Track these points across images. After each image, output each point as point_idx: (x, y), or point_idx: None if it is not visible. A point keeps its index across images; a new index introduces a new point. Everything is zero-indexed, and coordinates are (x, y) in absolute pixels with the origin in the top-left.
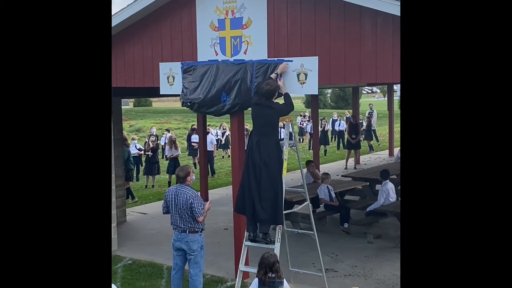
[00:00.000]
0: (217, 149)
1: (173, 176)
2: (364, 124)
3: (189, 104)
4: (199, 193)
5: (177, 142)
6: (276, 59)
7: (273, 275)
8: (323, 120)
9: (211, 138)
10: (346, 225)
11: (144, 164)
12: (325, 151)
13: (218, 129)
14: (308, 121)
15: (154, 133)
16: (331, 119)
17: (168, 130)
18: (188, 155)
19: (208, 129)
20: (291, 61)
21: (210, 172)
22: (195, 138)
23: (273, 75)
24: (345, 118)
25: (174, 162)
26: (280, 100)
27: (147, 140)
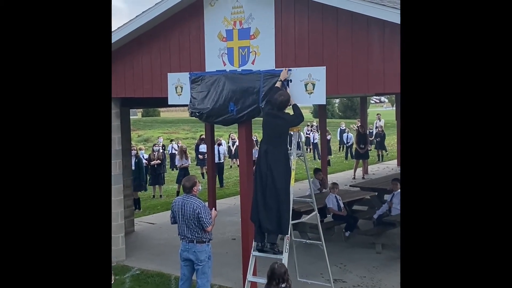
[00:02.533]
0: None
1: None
2: (374, 133)
3: (197, 114)
4: (206, 203)
5: (187, 152)
6: (283, 69)
7: (285, 285)
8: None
9: (223, 150)
10: (348, 233)
11: (149, 174)
12: (329, 161)
13: (229, 140)
14: (311, 131)
15: (161, 143)
16: (339, 128)
17: (171, 140)
18: (196, 165)
19: (219, 140)
20: (282, 70)
21: (219, 184)
22: (203, 148)
23: (278, 84)
24: (356, 128)
25: (184, 172)
26: (290, 111)
27: (155, 150)
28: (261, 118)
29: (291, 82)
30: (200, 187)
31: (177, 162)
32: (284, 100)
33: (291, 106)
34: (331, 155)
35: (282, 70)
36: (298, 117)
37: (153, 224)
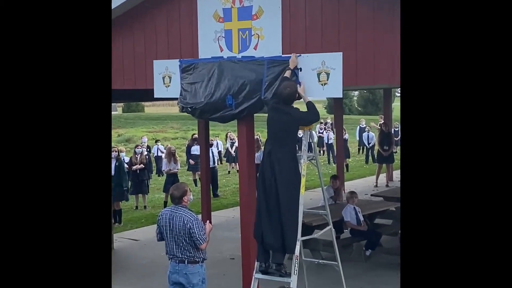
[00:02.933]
0: (220, 163)
1: None
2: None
3: (189, 109)
4: (199, 216)
5: (176, 155)
6: (291, 55)
7: None
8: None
9: (216, 152)
10: (369, 252)
11: (131, 181)
12: (347, 165)
13: (227, 140)
14: (325, 129)
15: (145, 144)
16: (358, 126)
17: (157, 141)
18: (188, 170)
19: (212, 140)
20: (290, 57)
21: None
22: (195, 150)
23: (287, 73)
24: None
25: (173, 179)
26: (301, 106)
27: (137, 153)
28: (266, 114)
29: (300, 71)
30: (191, 197)
31: (164, 166)
32: (290, 92)
33: (304, 102)
34: (349, 157)
35: (290, 57)
36: (310, 115)
37: (136, 240)
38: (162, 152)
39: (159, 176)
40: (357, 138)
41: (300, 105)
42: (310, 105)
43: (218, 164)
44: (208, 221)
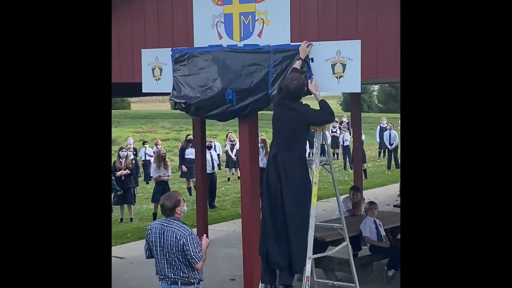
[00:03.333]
0: (219, 169)
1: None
2: None
3: (182, 105)
4: (194, 230)
5: (167, 159)
6: (301, 43)
7: None
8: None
9: (216, 155)
10: (391, 272)
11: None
12: (364, 171)
13: (227, 141)
14: (341, 129)
15: (131, 146)
16: (379, 126)
17: (144, 143)
18: (181, 176)
19: (211, 142)
20: (300, 45)
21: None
22: (190, 153)
23: (297, 64)
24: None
25: (162, 187)
26: (311, 102)
27: (121, 156)
28: (272, 112)
29: (312, 61)
30: (185, 208)
31: (153, 172)
32: (298, 86)
33: (317, 100)
34: (365, 162)
35: (299, 45)
36: (324, 114)
37: (121, 258)
38: (151, 156)
39: (147, 183)
40: (378, 140)
41: (309, 101)
42: (323, 104)
43: (217, 169)
44: (204, 236)
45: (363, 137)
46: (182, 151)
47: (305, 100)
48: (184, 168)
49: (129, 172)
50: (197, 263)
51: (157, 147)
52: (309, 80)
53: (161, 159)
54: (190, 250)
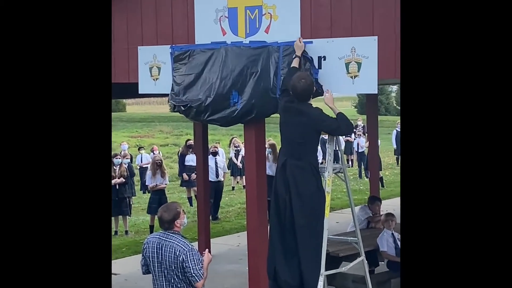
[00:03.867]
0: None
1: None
2: None
3: (182, 108)
4: (195, 243)
5: (164, 166)
6: (312, 40)
7: None
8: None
9: (222, 162)
10: None
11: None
12: (381, 179)
13: (231, 147)
14: (356, 134)
15: (126, 151)
16: (395, 130)
17: (140, 148)
18: (181, 185)
19: (216, 147)
20: (311, 42)
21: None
22: (191, 159)
23: (294, 62)
24: None
25: (159, 197)
26: (318, 103)
27: (116, 164)
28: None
29: (324, 60)
30: (185, 220)
31: (149, 181)
32: (306, 85)
33: (334, 113)
34: (381, 170)
35: (310, 42)
36: (341, 125)
37: (115, 274)
38: (148, 163)
39: (144, 193)
40: (394, 146)
41: (317, 103)
42: (340, 116)
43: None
44: (206, 251)
45: (378, 142)
46: (182, 157)
47: (314, 102)
48: (184, 176)
49: (124, 180)
50: (198, 281)
51: (153, 153)
52: (325, 93)
53: (156, 166)
54: (190, 267)
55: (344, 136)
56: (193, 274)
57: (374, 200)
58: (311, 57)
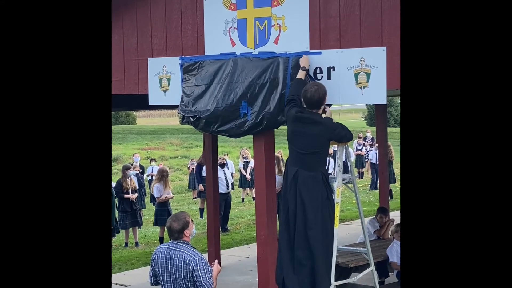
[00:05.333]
0: (232, 189)
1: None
2: None
3: (191, 119)
4: (205, 255)
5: (168, 178)
6: (321, 51)
7: None
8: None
9: (230, 174)
10: None
11: (120, 212)
12: (390, 191)
13: (240, 159)
14: (365, 145)
15: (137, 164)
16: None
17: (151, 160)
18: (198, 196)
19: (224, 159)
20: (320, 53)
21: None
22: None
23: (300, 74)
24: None
25: (166, 208)
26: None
27: (127, 175)
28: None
29: (333, 70)
30: (194, 230)
31: (157, 193)
32: (321, 94)
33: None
34: (395, 182)
35: (319, 52)
36: (344, 130)
37: (125, 286)
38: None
39: (154, 204)
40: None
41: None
42: (340, 124)
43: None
44: (215, 261)
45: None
46: (199, 167)
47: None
48: (200, 187)
49: (137, 194)
50: None
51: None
52: (326, 110)
53: (162, 176)
54: (200, 276)
55: (355, 150)
56: (203, 283)
57: (378, 212)
58: (333, 67)
